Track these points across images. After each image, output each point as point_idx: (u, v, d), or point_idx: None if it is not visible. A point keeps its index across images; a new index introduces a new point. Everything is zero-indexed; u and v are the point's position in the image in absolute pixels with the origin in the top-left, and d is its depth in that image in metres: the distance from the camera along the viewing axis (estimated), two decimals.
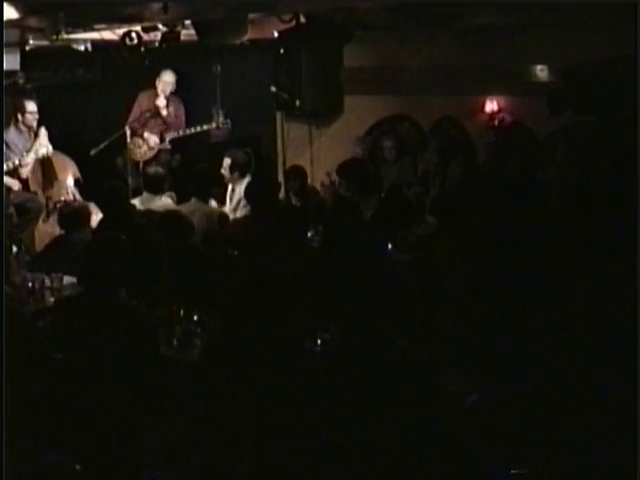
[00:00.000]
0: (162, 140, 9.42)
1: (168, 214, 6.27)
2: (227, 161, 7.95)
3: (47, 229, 8.23)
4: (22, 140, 8.52)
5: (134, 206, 7.16)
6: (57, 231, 7.00)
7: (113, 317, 4.20)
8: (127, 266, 4.38)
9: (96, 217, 6.90)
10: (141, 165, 9.26)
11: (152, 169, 8.12)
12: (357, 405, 3.43)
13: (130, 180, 8.93)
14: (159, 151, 9.48)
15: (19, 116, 8.52)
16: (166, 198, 7.71)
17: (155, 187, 7.56)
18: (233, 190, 8.01)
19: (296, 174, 8.12)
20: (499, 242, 5.14)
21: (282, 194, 8.05)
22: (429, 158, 8.63)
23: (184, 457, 3.64)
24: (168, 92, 9.51)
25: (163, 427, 3.87)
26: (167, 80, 9.50)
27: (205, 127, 9.26)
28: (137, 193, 8.06)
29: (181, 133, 9.46)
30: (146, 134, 9.40)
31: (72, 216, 6.59)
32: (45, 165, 8.62)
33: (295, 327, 4.01)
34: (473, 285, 4.79)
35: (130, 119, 9.37)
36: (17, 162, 8.33)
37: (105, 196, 6.78)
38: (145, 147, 9.44)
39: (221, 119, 9.12)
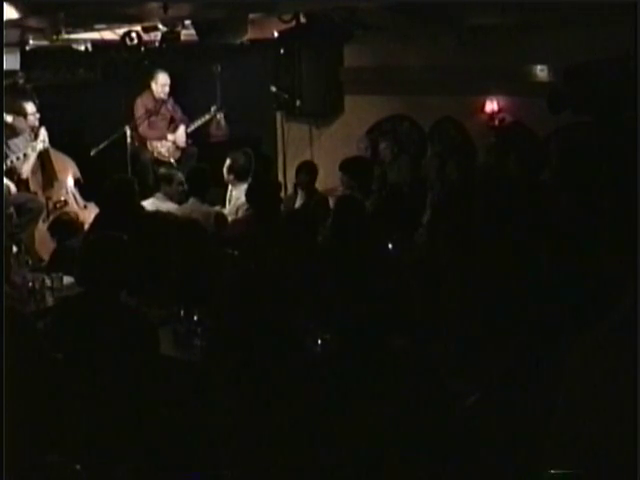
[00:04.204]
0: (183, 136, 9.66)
1: (184, 220, 6.30)
2: (227, 162, 7.94)
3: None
4: (22, 140, 8.52)
5: (140, 206, 7.11)
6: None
7: (113, 317, 4.20)
8: (127, 266, 4.38)
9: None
10: (175, 164, 9.38)
11: (165, 171, 8.14)
12: (357, 405, 3.43)
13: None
14: (184, 148, 9.67)
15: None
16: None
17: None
18: (231, 192, 8.00)
19: (306, 170, 8.06)
20: (499, 242, 5.13)
21: (285, 192, 8.05)
22: (429, 158, 8.62)
23: (184, 457, 3.64)
24: (165, 93, 9.59)
25: (163, 427, 3.87)
26: (162, 81, 9.55)
27: (206, 117, 9.57)
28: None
29: (192, 127, 9.63)
30: (170, 136, 9.58)
31: (63, 225, 6.69)
32: (45, 165, 8.62)
33: (295, 327, 4.01)
34: (473, 285, 4.78)
35: (139, 127, 9.41)
36: (15, 160, 8.32)
37: (111, 194, 6.75)
38: (172, 147, 9.54)
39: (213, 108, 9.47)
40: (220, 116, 9.61)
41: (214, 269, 5.48)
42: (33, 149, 8.42)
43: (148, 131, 9.53)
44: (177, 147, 9.61)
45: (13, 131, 8.52)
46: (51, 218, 8.16)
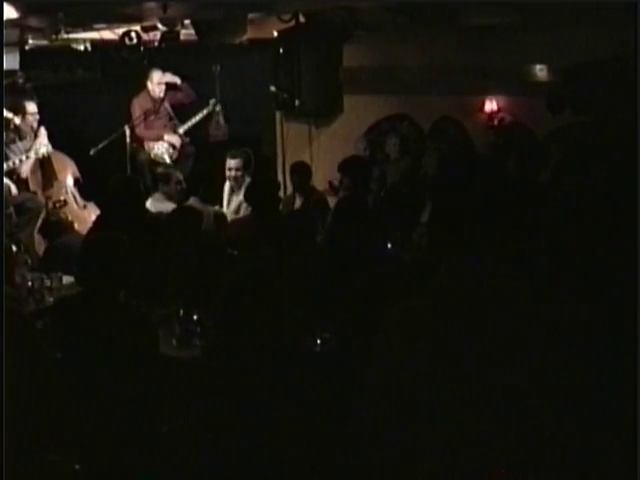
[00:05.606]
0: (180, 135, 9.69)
1: (176, 209, 6.33)
2: (237, 162, 7.87)
3: None
4: (25, 143, 8.53)
5: (142, 205, 7.08)
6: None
7: (113, 317, 4.20)
8: (127, 266, 4.37)
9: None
10: (172, 164, 9.38)
11: (163, 170, 8.14)
12: (357, 404, 3.42)
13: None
14: (182, 146, 9.66)
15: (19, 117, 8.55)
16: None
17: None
18: (233, 191, 7.99)
19: (300, 170, 8.07)
20: (499, 242, 5.12)
21: (284, 192, 8.04)
22: (428, 157, 8.62)
23: (183, 457, 3.63)
24: (162, 91, 9.59)
25: (162, 427, 3.87)
26: (158, 80, 9.56)
27: (205, 112, 9.62)
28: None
29: (193, 121, 9.67)
30: (166, 137, 9.57)
31: (54, 226, 6.72)
32: (45, 165, 8.63)
33: (295, 327, 4.00)
34: (472, 285, 4.78)
35: (136, 127, 9.40)
36: (17, 162, 8.33)
37: (113, 193, 6.73)
38: (169, 147, 9.54)
39: (212, 101, 9.51)
40: (219, 109, 9.60)
41: (214, 269, 5.48)
42: (36, 152, 8.43)
43: (145, 132, 9.52)
44: (174, 147, 9.61)
45: (17, 135, 8.54)
46: (40, 221, 8.16)
